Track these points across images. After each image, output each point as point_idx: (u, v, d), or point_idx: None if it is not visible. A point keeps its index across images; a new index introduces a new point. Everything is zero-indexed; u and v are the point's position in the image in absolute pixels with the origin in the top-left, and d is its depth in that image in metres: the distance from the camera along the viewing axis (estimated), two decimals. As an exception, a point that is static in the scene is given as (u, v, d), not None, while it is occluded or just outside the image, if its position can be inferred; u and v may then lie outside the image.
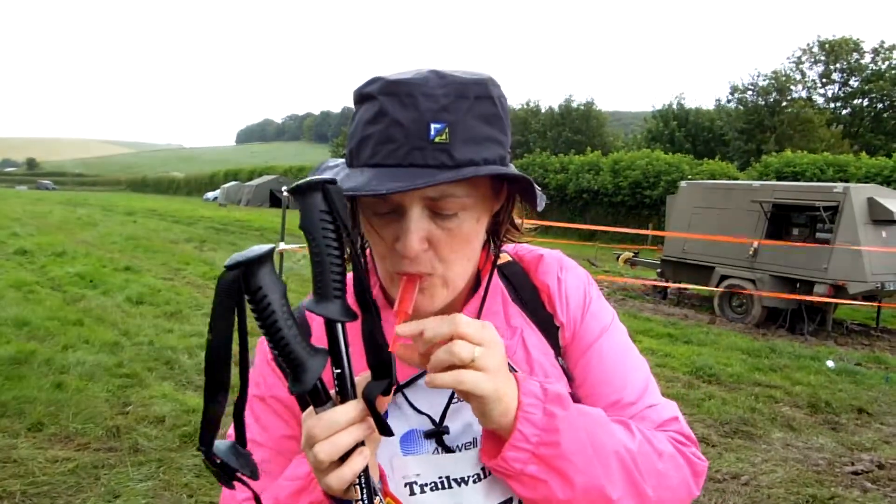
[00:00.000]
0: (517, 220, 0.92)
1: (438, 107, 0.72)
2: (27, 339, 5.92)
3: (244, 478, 0.66)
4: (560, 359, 0.92)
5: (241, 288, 0.61)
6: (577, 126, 43.91)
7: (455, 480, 0.82)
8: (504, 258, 0.98)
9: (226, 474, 0.64)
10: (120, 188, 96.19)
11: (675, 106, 39.51)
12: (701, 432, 4.80)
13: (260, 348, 0.92)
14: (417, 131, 0.72)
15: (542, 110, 47.83)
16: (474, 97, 0.75)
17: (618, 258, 13.08)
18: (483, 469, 0.83)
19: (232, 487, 0.66)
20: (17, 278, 9.11)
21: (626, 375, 0.91)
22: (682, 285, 11.02)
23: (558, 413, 0.74)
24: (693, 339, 8.13)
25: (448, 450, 0.85)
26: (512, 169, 0.77)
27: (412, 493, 0.82)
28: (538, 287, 0.95)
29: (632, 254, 12.85)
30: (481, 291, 0.91)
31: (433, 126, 0.72)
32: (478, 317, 0.89)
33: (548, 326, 0.93)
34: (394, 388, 0.73)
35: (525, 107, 48.75)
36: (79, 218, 22.32)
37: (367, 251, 0.89)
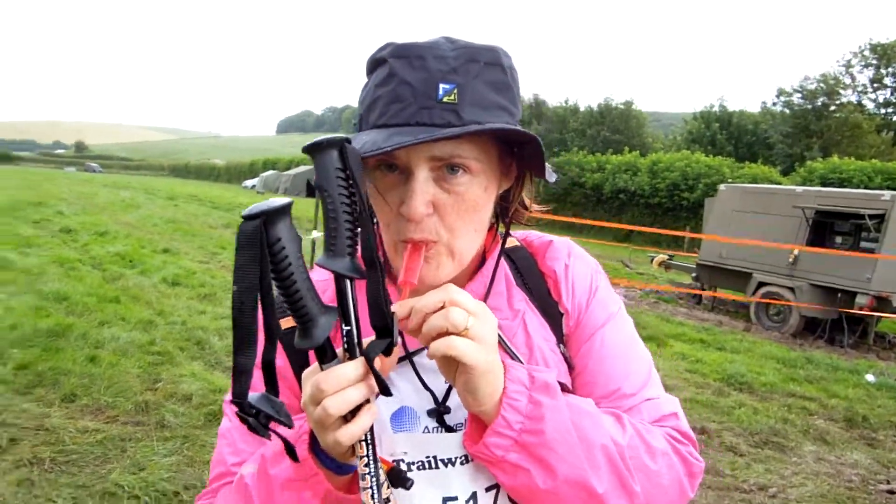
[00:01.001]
0: (527, 202, 0.92)
1: (448, 68, 0.73)
2: (66, 314, 6.09)
3: (278, 428, 0.67)
4: (562, 346, 0.91)
5: (262, 237, 0.61)
6: (615, 126, 43.30)
7: (442, 461, 0.81)
8: (512, 243, 0.97)
9: (261, 424, 0.65)
10: (163, 173, 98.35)
11: (716, 108, 38.69)
12: (730, 441, 4.69)
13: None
14: (426, 91, 0.73)
15: (581, 109, 47.24)
16: (484, 62, 0.75)
17: (652, 260, 12.87)
18: None
19: (268, 437, 0.66)
20: (60, 255, 9.37)
21: (628, 366, 0.90)
22: (718, 293, 10.80)
23: (544, 401, 0.73)
24: (726, 345, 7.95)
25: (449, 429, 0.83)
26: (525, 132, 0.75)
27: None
28: (545, 273, 0.95)
29: (666, 256, 12.65)
30: (484, 271, 0.90)
31: (442, 86, 0.73)
32: (485, 297, 0.88)
33: (552, 313, 0.92)
34: (398, 352, 0.72)
35: (564, 105, 48.27)
36: (122, 200, 22.86)
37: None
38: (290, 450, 0.70)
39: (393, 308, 0.69)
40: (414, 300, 0.69)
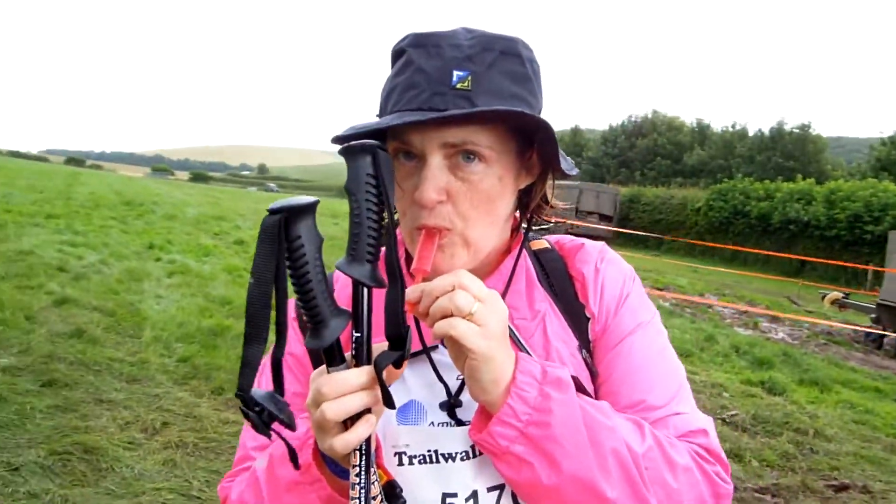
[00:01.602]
0: (549, 197, 0.90)
1: (463, 56, 0.74)
2: (226, 316, 6.71)
3: (279, 429, 0.67)
4: (584, 351, 0.86)
5: (281, 233, 0.62)
6: (789, 151, 39.93)
7: (443, 455, 0.78)
8: (542, 244, 0.94)
9: (263, 422, 0.65)
10: (331, 193, 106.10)
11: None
12: (899, 506, 4.06)
13: (288, 306, 0.93)
14: (440, 78, 0.73)
15: (750, 133, 44.10)
16: (500, 51, 0.75)
17: (823, 298, 11.60)
18: (472, 448, 0.78)
19: (268, 436, 0.66)
20: (230, 264, 10.38)
21: (656, 377, 0.84)
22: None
23: (554, 395, 0.70)
24: (907, 398, 6.92)
25: (459, 423, 0.81)
26: (534, 115, 0.73)
27: (400, 462, 0.79)
28: (573, 276, 0.91)
29: (841, 295, 11.33)
30: (503, 268, 0.88)
31: (456, 73, 0.73)
32: (502, 295, 0.84)
33: (577, 317, 0.88)
34: (409, 353, 0.70)
35: (730, 129, 45.37)
36: (290, 217, 24.82)
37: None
38: (292, 455, 0.70)
39: (406, 293, 0.68)
40: (424, 284, 0.69)
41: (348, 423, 0.67)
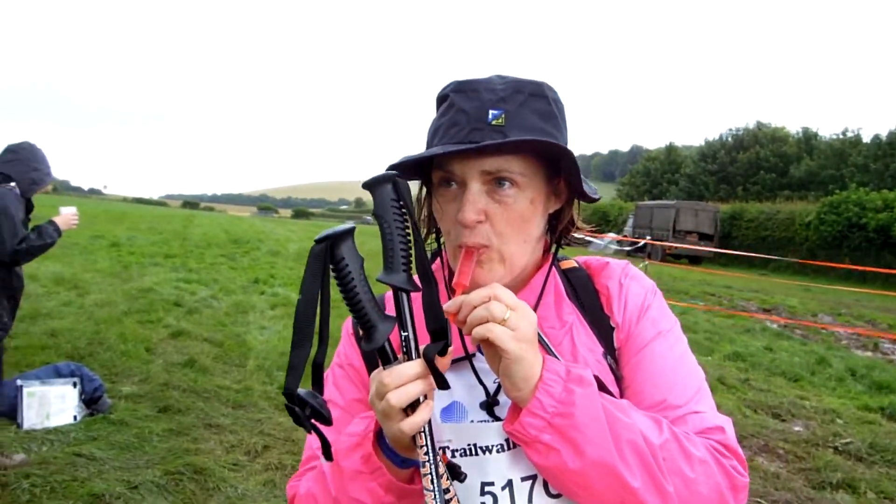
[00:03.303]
0: (576, 220, 1.00)
1: (497, 97, 0.86)
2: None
3: (317, 424, 0.78)
4: (609, 357, 0.95)
5: (327, 257, 0.76)
6: (911, 156, 36.72)
7: (481, 448, 0.88)
8: (570, 264, 1.05)
9: (305, 416, 0.76)
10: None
11: None
12: None
13: (345, 324, 1.05)
14: (478, 116, 0.86)
15: (865, 139, 41.07)
16: (529, 93, 0.88)
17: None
18: (507, 441, 0.87)
19: (309, 430, 0.78)
20: (328, 295, 10.84)
21: (676, 379, 0.92)
22: None
23: (577, 390, 0.79)
24: None
25: (496, 419, 0.90)
26: (557, 143, 0.85)
27: None
28: (599, 290, 1.01)
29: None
30: (533, 283, 0.98)
31: (491, 112, 0.85)
32: (534, 307, 0.94)
33: (602, 326, 0.97)
34: (454, 353, 0.82)
35: (840, 137, 42.47)
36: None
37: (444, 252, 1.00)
38: (325, 448, 0.81)
39: (445, 306, 0.79)
40: (463, 296, 0.79)
41: (408, 410, 0.77)
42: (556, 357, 0.90)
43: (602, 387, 0.84)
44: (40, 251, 3.50)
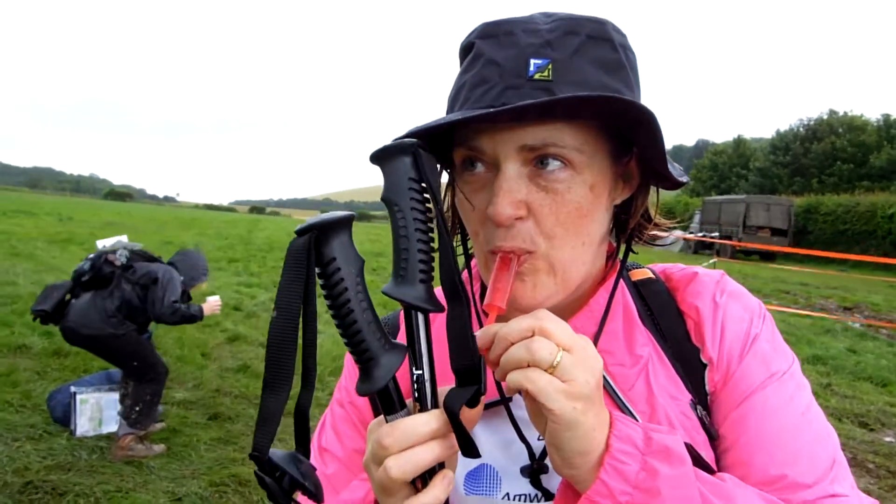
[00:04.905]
0: (651, 214, 0.73)
1: (541, 41, 0.60)
2: (377, 349, 6.94)
3: (302, 499, 0.56)
4: (700, 408, 0.67)
5: (310, 256, 0.52)
6: None
7: None
8: (645, 274, 0.76)
9: (282, 489, 0.54)
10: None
11: None
12: None
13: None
14: (515, 69, 0.60)
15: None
16: (587, 35, 0.61)
17: None
18: None
19: None
20: (383, 298, 10.79)
21: (800, 446, 0.64)
22: None
23: (662, 471, 0.53)
24: None
25: (546, 494, 0.66)
26: (633, 100, 0.57)
27: None
28: (684, 312, 0.72)
29: None
30: (593, 303, 0.71)
31: (533, 62, 0.60)
32: (595, 337, 0.68)
33: (690, 364, 0.70)
34: (485, 390, 0.57)
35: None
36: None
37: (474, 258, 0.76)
38: None
39: (476, 335, 0.56)
40: (499, 325, 0.55)
41: (418, 482, 0.55)
42: (630, 413, 0.65)
43: (695, 458, 0.60)
44: (184, 320, 3.89)
